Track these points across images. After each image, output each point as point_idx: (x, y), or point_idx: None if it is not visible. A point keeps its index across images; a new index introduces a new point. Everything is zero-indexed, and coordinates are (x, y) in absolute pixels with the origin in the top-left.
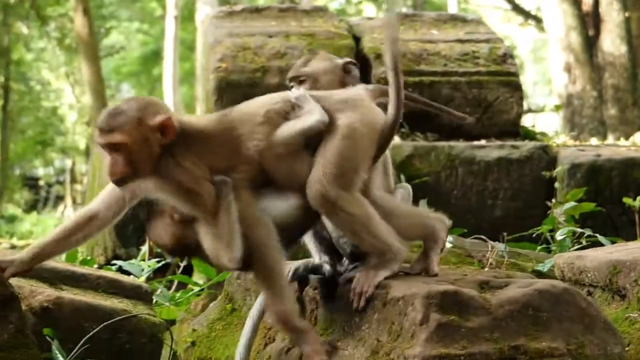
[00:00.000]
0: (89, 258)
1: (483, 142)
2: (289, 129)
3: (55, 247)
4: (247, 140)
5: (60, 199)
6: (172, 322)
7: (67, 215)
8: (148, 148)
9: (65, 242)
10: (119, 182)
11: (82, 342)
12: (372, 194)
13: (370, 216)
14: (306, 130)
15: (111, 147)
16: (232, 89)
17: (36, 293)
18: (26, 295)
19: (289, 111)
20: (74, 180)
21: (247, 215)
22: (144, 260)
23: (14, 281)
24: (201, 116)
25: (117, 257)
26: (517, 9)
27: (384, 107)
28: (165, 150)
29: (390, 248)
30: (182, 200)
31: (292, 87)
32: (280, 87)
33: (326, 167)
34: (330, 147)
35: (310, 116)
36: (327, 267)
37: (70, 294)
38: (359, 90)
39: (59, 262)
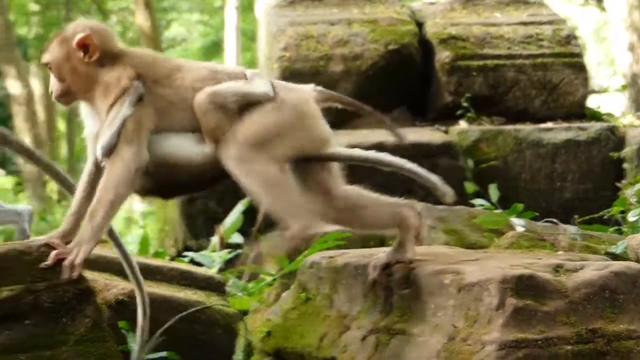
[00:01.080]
0: (161, 250)
1: (550, 124)
2: (234, 86)
3: (87, 205)
4: (188, 82)
5: None
6: (245, 313)
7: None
8: (73, 66)
9: (90, 199)
10: (59, 99)
11: (157, 334)
12: (338, 188)
13: (281, 185)
14: (249, 94)
15: (46, 68)
16: (296, 78)
17: (110, 286)
18: (101, 288)
19: (239, 78)
20: None
21: (131, 127)
22: (214, 251)
23: (87, 275)
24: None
25: (187, 249)
26: None
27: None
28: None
29: (291, 220)
30: (98, 103)
31: None
32: (344, 74)
33: (246, 129)
34: (259, 112)
35: (259, 87)
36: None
37: (145, 287)
38: (307, 87)
39: (132, 256)
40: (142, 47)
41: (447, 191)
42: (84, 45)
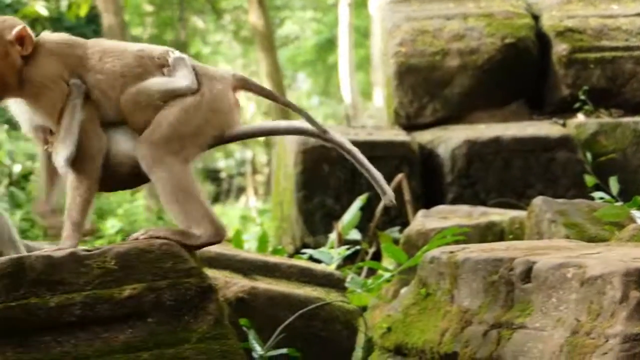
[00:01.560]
0: (279, 248)
1: None
2: (159, 84)
3: None
4: (117, 68)
5: (241, 190)
6: (364, 309)
7: (250, 206)
8: (9, 60)
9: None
10: None
11: (277, 331)
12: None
13: (188, 190)
14: (174, 91)
15: None
16: (412, 73)
17: (231, 284)
18: (221, 286)
19: (163, 65)
20: (255, 171)
21: (87, 125)
22: (332, 247)
23: (209, 273)
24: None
25: (305, 246)
26: None
27: None
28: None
29: (195, 226)
30: (36, 103)
31: None
32: (461, 69)
33: (159, 127)
34: (175, 110)
35: (183, 80)
36: None
37: (264, 284)
38: (228, 74)
39: (251, 253)
40: (257, 45)
41: (388, 193)
42: (20, 38)
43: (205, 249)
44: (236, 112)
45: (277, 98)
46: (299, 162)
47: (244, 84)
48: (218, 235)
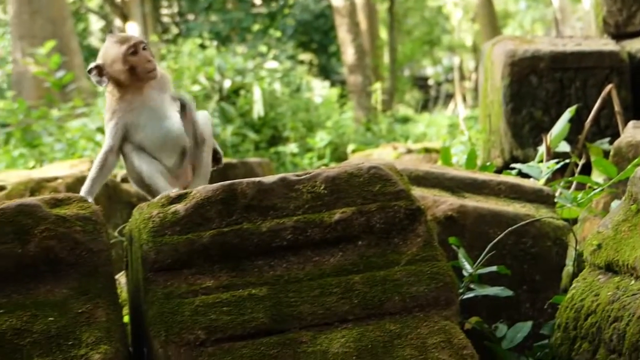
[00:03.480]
0: (488, 164)
1: None
2: None
3: None
4: None
5: (449, 97)
6: (574, 223)
7: (458, 113)
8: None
9: None
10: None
11: (487, 249)
12: None
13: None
14: None
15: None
16: None
17: (439, 202)
18: (429, 205)
19: None
20: (462, 77)
21: None
22: (541, 161)
23: (417, 192)
24: None
25: (514, 159)
26: None
27: None
28: None
29: None
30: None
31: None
32: None
33: None
34: None
35: None
36: None
37: (472, 202)
38: None
39: (459, 170)
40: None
41: None
42: None
43: (413, 167)
44: None
45: None
46: (507, 74)
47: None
48: None
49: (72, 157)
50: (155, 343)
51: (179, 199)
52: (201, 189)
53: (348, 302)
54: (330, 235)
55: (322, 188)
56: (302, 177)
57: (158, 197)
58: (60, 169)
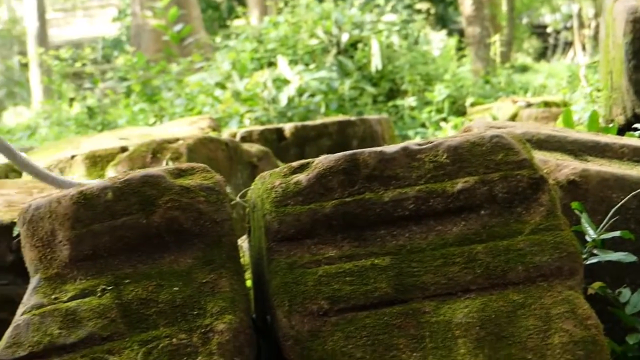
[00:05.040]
0: (610, 125)
1: None
2: None
3: None
4: None
5: (568, 45)
6: None
7: (578, 62)
8: None
9: None
10: None
11: (610, 213)
12: None
13: None
14: None
15: None
16: None
17: (562, 167)
18: (552, 169)
19: None
20: (581, 25)
21: None
22: None
23: (539, 155)
24: None
25: (636, 117)
26: None
27: None
28: None
29: None
30: None
31: None
32: None
33: None
34: None
35: None
36: None
37: (595, 165)
38: None
39: (581, 133)
40: None
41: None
42: None
43: (535, 130)
44: None
45: None
46: (629, 31)
47: None
48: None
49: (192, 113)
50: (278, 312)
51: (300, 168)
52: (323, 158)
53: (471, 272)
54: (452, 205)
55: (444, 157)
56: (424, 146)
57: (280, 166)
58: (180, 126)
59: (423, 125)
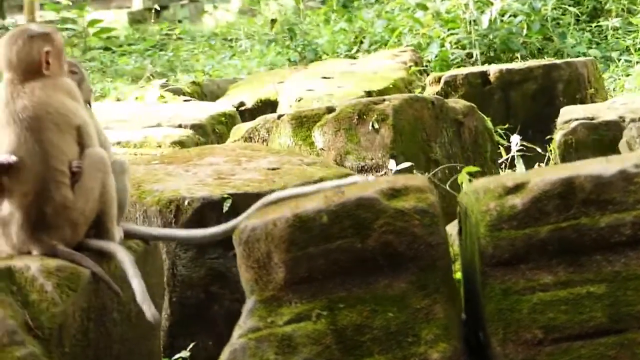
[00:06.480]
0: None
1: None
2: None
3: None
4: None
5: None
6: None
7: None
8: None
9: None
10: None
11: None
12: None
13: None
14: None
15: None
16: None
17: None
18: None
19: None
20: None
21: None
22: None
23: None
24: None
25: None
26: None
27: None
28: None
29: None
30: None
31: None
32: None
33: None
34: None
35: None
36: None
37: None
38: None
39: None
40: None
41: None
42: None
43: None
44: None
45: None
46: None
47: None
48: None
49: (392, 34)
50: (492, 340)
51: (515, 189)
52: (539, 181)
53: None
54: None
55: None
56: None
57: (494, 184)
58: (381, 60)
59: (627, 50)
